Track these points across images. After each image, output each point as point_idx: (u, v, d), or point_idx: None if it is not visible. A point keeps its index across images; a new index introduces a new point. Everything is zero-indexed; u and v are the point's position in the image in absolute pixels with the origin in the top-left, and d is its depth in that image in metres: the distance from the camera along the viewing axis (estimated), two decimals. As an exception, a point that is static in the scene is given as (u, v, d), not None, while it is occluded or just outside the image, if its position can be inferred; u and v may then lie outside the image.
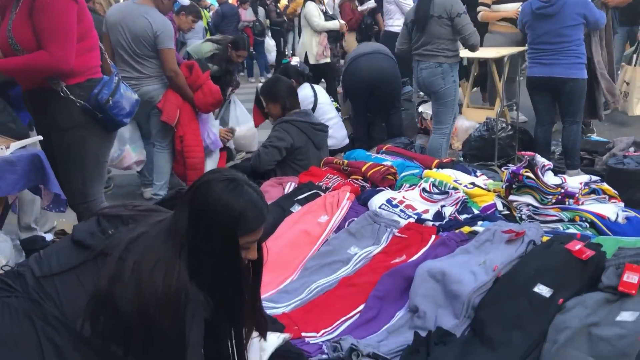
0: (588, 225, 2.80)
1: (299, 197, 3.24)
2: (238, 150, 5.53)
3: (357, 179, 3.54)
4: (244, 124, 5.36)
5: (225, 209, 1.41)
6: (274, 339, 1.86)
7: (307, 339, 2.19)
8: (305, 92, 4.74)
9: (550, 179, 3.01)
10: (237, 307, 1.49)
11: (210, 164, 4.51)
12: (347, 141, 5.02)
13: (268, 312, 2.26)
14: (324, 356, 2.05)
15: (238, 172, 1.53)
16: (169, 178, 4.46)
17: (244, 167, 4.17)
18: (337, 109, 5.43)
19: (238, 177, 1.49)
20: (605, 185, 3.14)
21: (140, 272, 1.35)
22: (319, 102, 4.78)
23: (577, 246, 2.21)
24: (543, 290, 2.11)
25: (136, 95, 2.94)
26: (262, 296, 2.49)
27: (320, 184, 3.46)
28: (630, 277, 2.02)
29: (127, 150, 4.30)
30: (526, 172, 2.98)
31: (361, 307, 2.40)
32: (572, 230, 2.73)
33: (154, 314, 1.31)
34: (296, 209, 3.14)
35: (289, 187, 3.44)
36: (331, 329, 2.30)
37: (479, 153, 4.83)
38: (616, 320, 1.92)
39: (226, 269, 1.44)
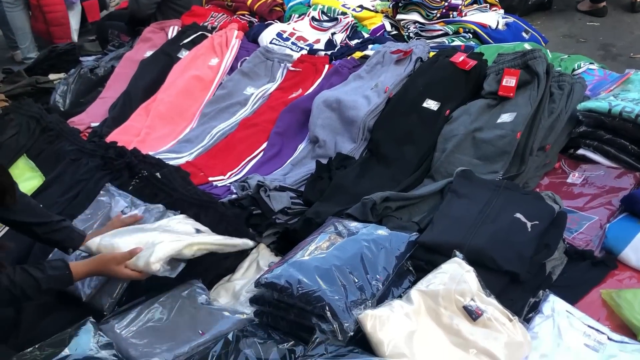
0: (471, 35, 2.90)
1: (185, 41, 3.06)
2: (111, -3, 5.05)
3: (243, 15, 3.38)
4: (111, -34, 4.82)
5: None
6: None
7: (214, 183, 2.23)
8: None
9: (435, -7, 3.02)
10: None
11: (75, 16, 4.09)
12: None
13: (171, 163, 2.25)
14: (233, 196, 2.11)
15: None
16: (32, 37, 4.03)
17: (122, 15, 3.85)
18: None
19: None
20: (486, -6, 3.20)
21: None
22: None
23: (460, 58, 2.30)
24: (431, 104, 2.22)
25: None
26: (163, 148, 2.49)
27: (206, 24, 3.28)
28: (508, 81, 2.16)
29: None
30: (411, -12, 2.96)
31: (264, 145, 2.44)
32: (456, 43, 2.82)
33: None
34: (183, 54, 2.99)
35: (172, 31, 3.23)
36: (237, 170, 2.34)
37: (366, -27, 4.69)
38: (497, 122, 2.09)
39: None
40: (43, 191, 2.21)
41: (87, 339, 1.39)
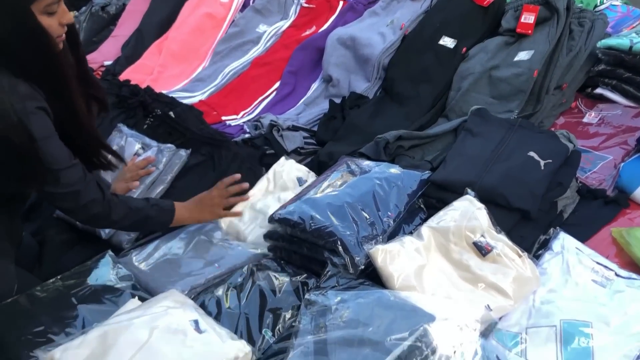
0: (491, -30, 2.79)
1: (196, -22, 3.00)
2: None
3: (255, -50, 3.28)
4: None
5: None
6: None
7: (227, 122, 2.24)
8: None
9: None
10: (64, 83, 1.31)
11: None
12: None
13: (184, 102, 2.25)
14: (247, 135, 2.11)
15: None
16: None
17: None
18: None
19: None
20: None
21: None
22: None
23: (478, -7, 2.23)
24: (447, 41, 2.17)
25: None
26: (176, 87, 2.48)
27: (217, -41, 3.19)
28: (527, 18, 2.10)
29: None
30: None
31: (277, 84, 2.43)
32: (475, -22, 2.72)
33: None
34: (195, -9, 2.94)
35: (183, -33, 3.16)
36: (250, 109, 2.34)
37: None
38: (514, 60, 2.05)
39: (38, 48, 1.24)
40: (59, 130, 2.22)
41: (106, 270, 1.43)
